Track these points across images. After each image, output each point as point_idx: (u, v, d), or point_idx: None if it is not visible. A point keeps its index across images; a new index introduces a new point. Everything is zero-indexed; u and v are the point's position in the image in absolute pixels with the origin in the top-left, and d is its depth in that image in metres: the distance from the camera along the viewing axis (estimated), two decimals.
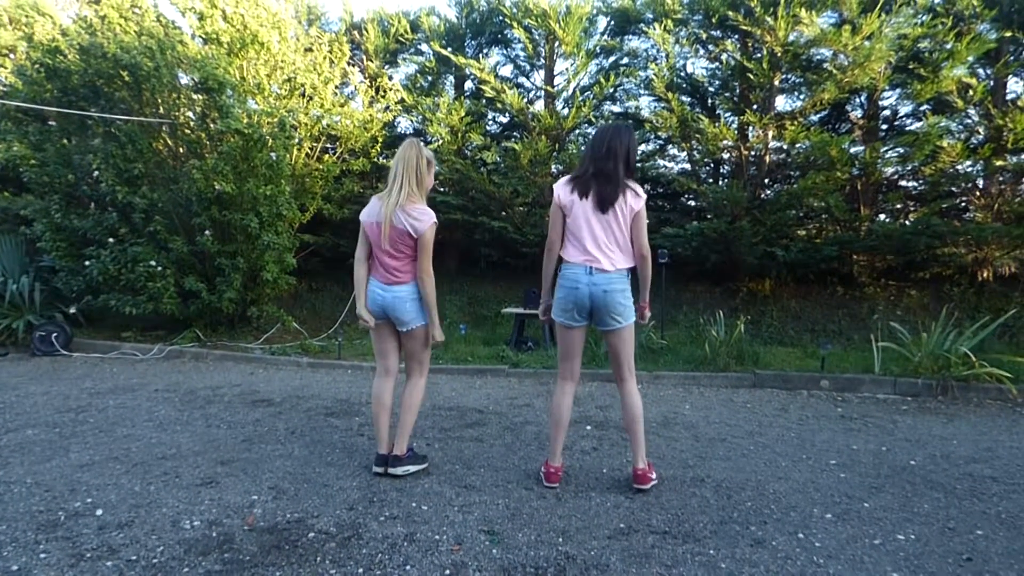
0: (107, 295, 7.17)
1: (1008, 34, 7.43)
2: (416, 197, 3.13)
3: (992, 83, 7.91)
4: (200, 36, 7.81)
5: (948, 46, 7.36)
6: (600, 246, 2.97)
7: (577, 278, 2.98)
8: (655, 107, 9.09)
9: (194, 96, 7.27)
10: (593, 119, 9.37)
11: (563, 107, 9.64)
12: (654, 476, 3.17)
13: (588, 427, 4.26)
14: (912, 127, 8.57)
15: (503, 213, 9.22)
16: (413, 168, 3.13)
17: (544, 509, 2.85)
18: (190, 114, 7.44)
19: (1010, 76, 8.02)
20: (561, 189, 3.04)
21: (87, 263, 7.03)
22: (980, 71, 8.00)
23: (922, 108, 8.36)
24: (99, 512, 2.75)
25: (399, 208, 3.07)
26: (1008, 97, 7.99)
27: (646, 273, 3.13)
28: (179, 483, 3.11)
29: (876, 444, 3.95)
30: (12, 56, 8.70)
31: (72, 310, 7.61)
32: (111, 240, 7.03)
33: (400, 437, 3.26)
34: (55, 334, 6.97)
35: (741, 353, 6.10)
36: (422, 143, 3.25)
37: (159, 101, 7.17)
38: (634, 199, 2.98)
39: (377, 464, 3.27)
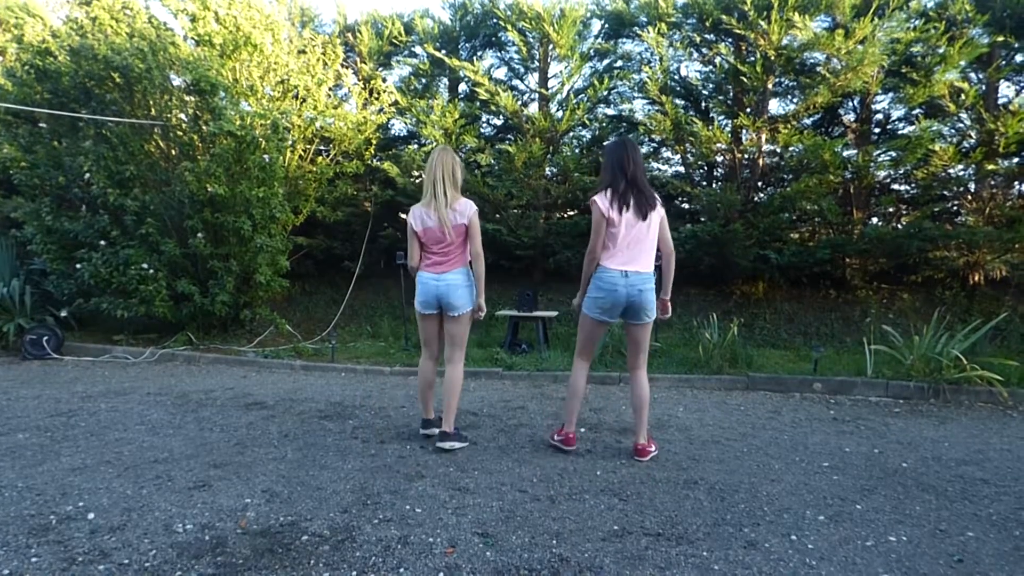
0: (98, 298, 7.15)
1: (1000, 38, 7.48)
2: (456, 195, 3.64)
3: (984, 87, 7.96)
4: (192, 38, 7.81)
5: (940, 50, 7.40)
6: (636, 251, 3.42)
7: (615, 281, 3.41)
8: (649, 110, 9.12)
9: (186, 98, 7.26)
10: (587, 122, 9.39)
11: (557, 110, 9.67)
12: (653, 448, 3.68)
13: (583, 429, 4.27)
14: (904, 131, 8.61)
15: (497, 216, 9.23)
16: (451, 172, 3.62)
17: (538, 511, 2.86)
18: (182, 116, 7.43)
19: (1002, 80, 8.08)
20: (603, 202, 3.39)
21: (78, 266, 7.01)
22: (972, 75, 8.05)
23: (914, 112, 8.41)
24: (91, 516, 2.75)
25: (449, 208, 3.58)
26: (1000, 101, 8.05)
27: (671, 269, 3.62)
28: (171, 487, 3.10)
29: (868, 446, 3.98)
30: (2, 58, 8.67)
31: (63, 313, 7.58)
32: (102, 243, 7.02)
33: (447, 415, 3.72)
34: (46, 337, 6.94)
35: (734, 356, 6.14)
36: (451, 149, 3.72)
37: (151, 103, 7.17)
38: (660, 206, 3.50)
39: (423, 427, 3.97)
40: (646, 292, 3.43)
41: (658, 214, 3.46)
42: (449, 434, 3.72)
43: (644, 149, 9.89)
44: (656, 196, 3.49)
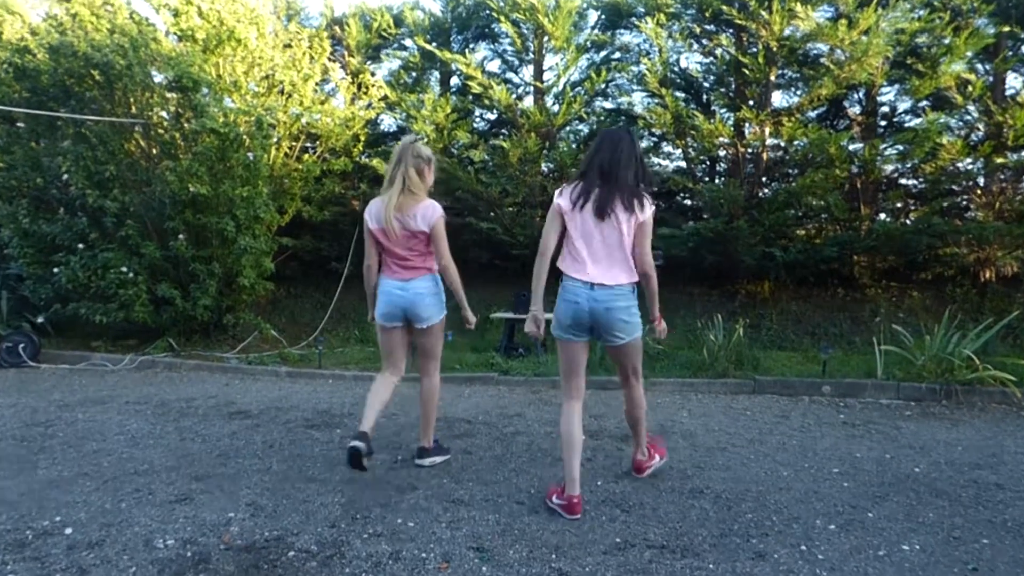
0: (76, 303, 7.10)
1: (1007, 29, 7.48)
2: (418, 196, 3.32)
3: (991, 79, 7.97)
4: (175, 33, 7.76)
5: (946, 41, 7.40)
6: (600, 259, 2.92)
7: (576, 292, 2.93)
8: (648, 103, 9.11)
9: (168, 95, 7.22)
10: (584, 115, 9.37)
11: (553, 103, 9.64)
12: (657, 458, 3.48)
13: (581, 436, 4.24)
14: (911, 124, 8.63)
15: (491, 214, 9.21)
16: (411, 168, 3.30)
17: (536, 524, 2.84)
18: (164, 114, 7.39)
19: (1009, 71, 8.08)
20: (562, 193, 3.00)
21: (56, 270, 6.96)
22: (979, 66, 8.06)
23: (921, 104, 8.40)
24: (68, 531, 2.72)
25: (401, 210, 3.27)
26: (1007, 93, 8.05)
27: (652, 290, 3.10)
28: (152, 500, 3.07)
29: (879, 451, 3.97)
30: None
31: (40, 319, 7.52)
32: (81, 246, 6.96)
33: (425, 430, 3.57)
34: (22, 345, 6.88)
35: (740, 358, 6.12)
36: (418, 142, 3.39)
37: (131, 101, 7.13)
38: (640, 208, 2.92)
39: (355, 439, 3.20)
40: (615, 311, 2.91)
41: (633, 218, 2.90)
42: (428, 449, 3.61)
43: (644, 144, 9.89)
44: (640, 199, 2.93)
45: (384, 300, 3.38)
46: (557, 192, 3.04)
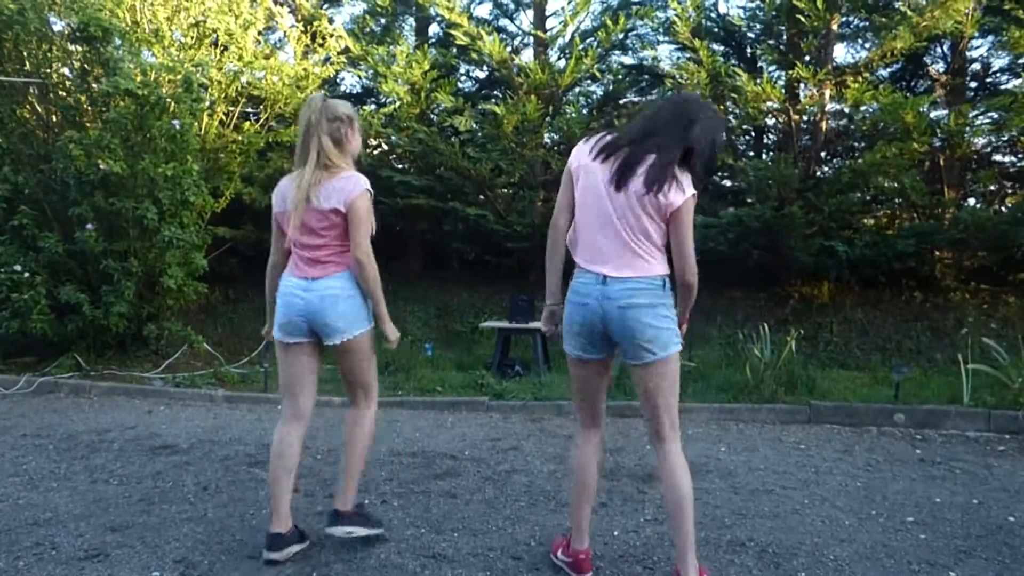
0: None
1: None
2: (337, 166, 3.03)
3: None
4: None
5: None
6: (613, 243, 2.62)
7: (586, 291, 2.64)
8: (678, 58, 9.17)
9: (71, 47, 7.23)
10: (597, 73, 9.39)
11: (558, 58, 9.68)
12: None
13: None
14: (1008, 85, 8.68)
15: (481, 197, 9.22)
16: (325, 136, 3.00)
17: None
18: (66, 71, 7.40)
19: None
20: (580, 146, 2.74)
21: None
22: None
23: (1021, 61, 8.46)
24: None
25: (315, 184, 2.99)
26: None
27: (688, 302, 2.77)
28: (56, 557, 3.08)
29: (965, 496, 3.99)
30: None
31: None
32: None
33: (346, 488, 3.14)
34: None
35: (792, 378, 6.15)
36: (329, 98, 3.11)
37: (25, 55, 7.13)
38: (674, 191, 2.54)
39: (270, 548, 2.97)
40: (634, 310, 2.56)
41: (649, 200, 2.54)
42: (345, 514, 3.12)
43: None
44: (666, 178, 2.53)
45: (282, 304, 3.08)
46: (584, 139, 2.78)
